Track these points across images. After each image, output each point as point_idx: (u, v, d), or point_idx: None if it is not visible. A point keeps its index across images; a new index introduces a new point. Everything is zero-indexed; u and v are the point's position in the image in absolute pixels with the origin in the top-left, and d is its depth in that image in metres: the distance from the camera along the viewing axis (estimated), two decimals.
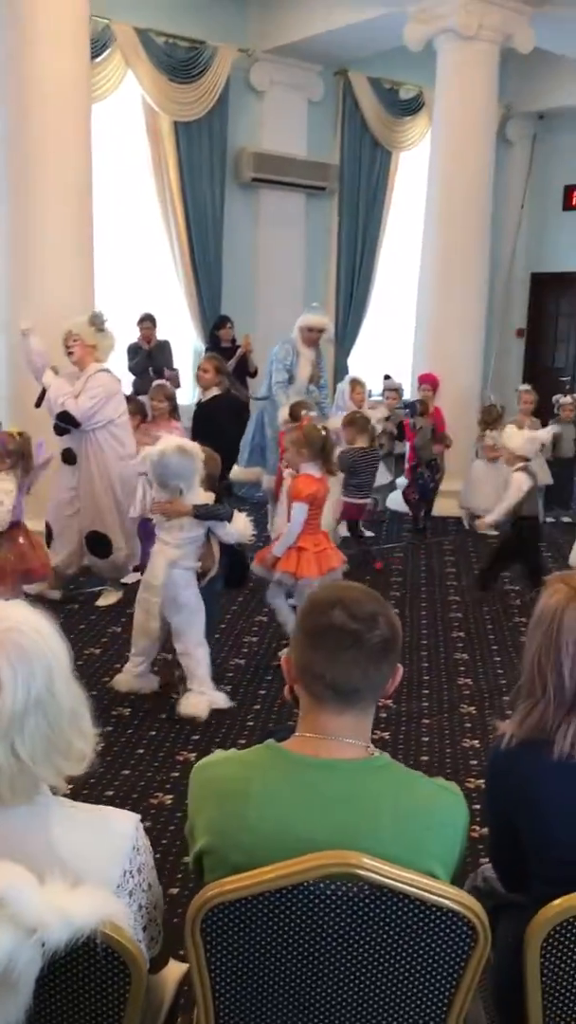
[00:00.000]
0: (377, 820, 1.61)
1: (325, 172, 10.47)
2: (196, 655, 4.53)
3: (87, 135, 6.79)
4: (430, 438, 8.07)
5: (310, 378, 7.62)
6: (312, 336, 7.57)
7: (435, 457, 8.11)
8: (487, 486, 8.02)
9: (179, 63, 9.22)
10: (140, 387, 8.59)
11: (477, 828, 3.09)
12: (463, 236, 8.71)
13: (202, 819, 1.70)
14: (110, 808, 1.65)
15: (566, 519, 8.56)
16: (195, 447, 4.41)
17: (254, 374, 8.93)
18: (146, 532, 6.53)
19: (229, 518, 4.48)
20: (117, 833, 1.58)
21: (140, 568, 6.46)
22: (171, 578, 4.46)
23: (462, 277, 8.77)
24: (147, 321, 8.86)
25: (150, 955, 1.62)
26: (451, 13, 8.11)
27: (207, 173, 9.62)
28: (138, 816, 1.64)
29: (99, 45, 8.38)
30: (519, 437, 6.26)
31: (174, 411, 6.65)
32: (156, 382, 7.18)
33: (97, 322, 5.73)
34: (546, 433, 6.42)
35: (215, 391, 6.89)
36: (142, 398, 7.06)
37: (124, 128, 9.22)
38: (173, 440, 4.40)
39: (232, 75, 9.60)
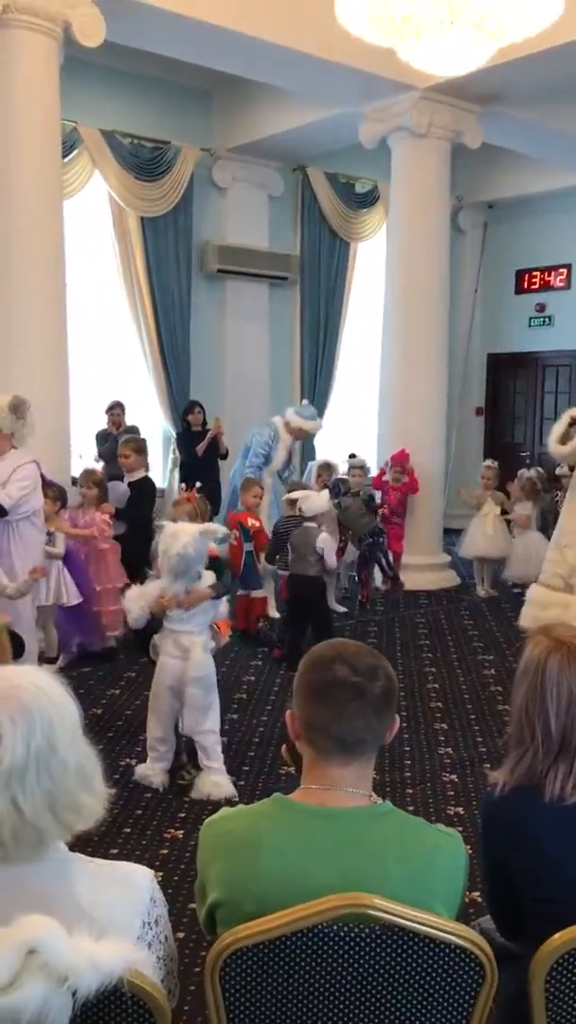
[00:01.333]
0: (384, 865, 1.68)
1: (287, 263, 10.86)
2: (216, 734, 4.52)
3: (59, 232, 7.02)
4: (363, 512, 8.30)
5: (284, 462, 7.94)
6: (302, 435, 7.89)
7: (375, 526, 8.27)
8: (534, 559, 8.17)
9: (144, 162, 9.60)
10: (112, 472, 8.71)
11: (467, 893, 3.13)
12: (422, 321, 9.04)
13: (213, 872, 1.76)
14: (124, 863, 1.70)
15: None
16: (210, 526, 4.43)
17: (224, 456, 9.10)
18: (68, 618, 6.29)
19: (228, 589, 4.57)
20: (135, 885, 1.63)
21: (54, 659, 6.21)
22: (208, 664, 4.46)
23: (423, 360, 9.07)
24: (116, 408, 9.03)
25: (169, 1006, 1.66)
26: (404, 112, 8.56)
27: (174, 265, 9.94)
28: (152, 871, 1.70)
29: (67, 146, 8.70)
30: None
31: (103, 497, 6.65)
32: (85, 468, 7.19)
33: (19, 411, 5.42)
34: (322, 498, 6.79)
35: (141, 472, 7.15)
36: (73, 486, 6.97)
37: (92, 224, 9.53)
38: (191, 527, 4.33)
39: (196, 172, 10.01)
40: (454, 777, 4.76)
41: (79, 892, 1.54)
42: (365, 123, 8.90)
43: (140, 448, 7.21)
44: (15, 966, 1.36)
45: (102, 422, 9.07)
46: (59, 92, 6.88)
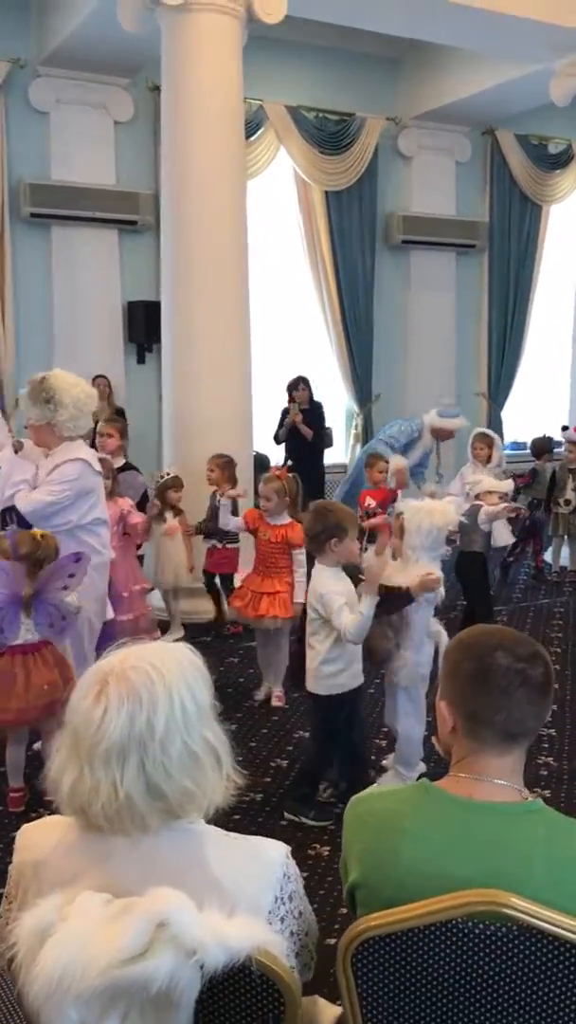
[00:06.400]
0: (529, 866, 1.60)
1: (474, 230, 10.58)
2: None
3: (243, 214, 7.03)
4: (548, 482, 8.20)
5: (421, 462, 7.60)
6: (444, 436, 7.62)
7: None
8: None
9: (329, 136, 9.57)
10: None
11: None
12: None
13: (355, 852, 1.74)
14: (260, 838, 1.71)
15: None
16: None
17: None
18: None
19: None
20: (268, 860, 1.64)
21: None
22: None
23: None
24: (301, 384, 9.05)
25: (303, 979, 1.67)
26: None
27: (358, 238, 9.87)
28: (288, 846, 1.70)
29: (253, 125, 8.80)
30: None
31: (116, 488, 5.47)
32: (99, 456, 5.11)
33: (37, 395, 4.34)
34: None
35: (121, 460, 6.24)
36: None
37: (277, 200, 9.61)
38: (446, 505, 4.23)
39: (380, 143, 9.88)
40: None
41: (212, 865, 1.57)
42: (556, 79, 8.50)
43: (124, 432, 6.23)
44: (147, 936, 1.40)
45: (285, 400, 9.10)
46: (242, 72, 6.92)
